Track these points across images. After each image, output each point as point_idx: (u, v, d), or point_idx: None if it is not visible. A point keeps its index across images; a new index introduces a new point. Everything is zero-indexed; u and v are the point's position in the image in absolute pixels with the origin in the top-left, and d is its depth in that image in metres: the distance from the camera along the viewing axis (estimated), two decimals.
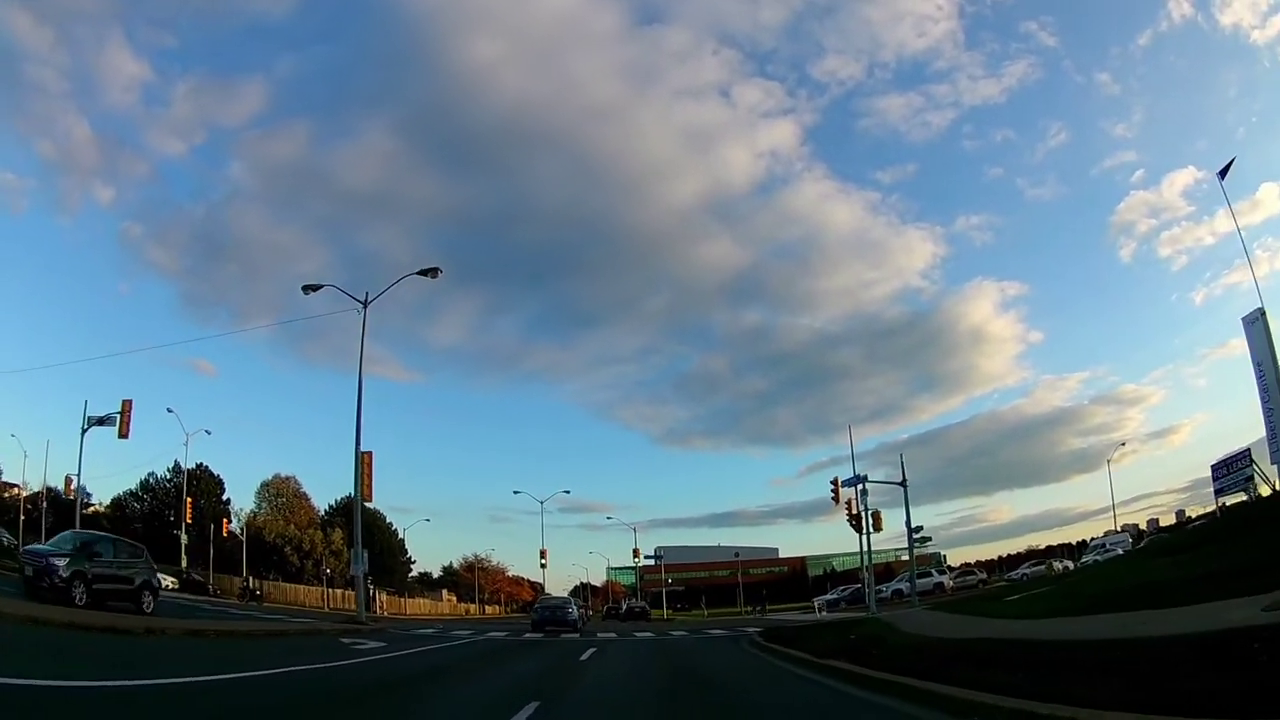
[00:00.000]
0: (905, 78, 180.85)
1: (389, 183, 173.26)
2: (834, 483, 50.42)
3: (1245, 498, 48.69)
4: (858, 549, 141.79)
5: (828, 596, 68.45)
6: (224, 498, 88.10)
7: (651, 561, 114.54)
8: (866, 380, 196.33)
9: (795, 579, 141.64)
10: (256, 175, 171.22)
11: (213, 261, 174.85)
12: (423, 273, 39.46)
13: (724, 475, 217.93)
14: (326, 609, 76.11)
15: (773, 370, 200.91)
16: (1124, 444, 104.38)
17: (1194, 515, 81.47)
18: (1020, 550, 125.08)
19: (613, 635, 35.99)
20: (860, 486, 43.18)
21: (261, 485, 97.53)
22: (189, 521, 72.97)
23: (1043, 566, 67.27)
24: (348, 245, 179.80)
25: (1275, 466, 40.84)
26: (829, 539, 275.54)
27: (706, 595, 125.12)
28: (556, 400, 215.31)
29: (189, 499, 74.19)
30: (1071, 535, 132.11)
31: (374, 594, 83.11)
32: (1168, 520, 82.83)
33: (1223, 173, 40.65)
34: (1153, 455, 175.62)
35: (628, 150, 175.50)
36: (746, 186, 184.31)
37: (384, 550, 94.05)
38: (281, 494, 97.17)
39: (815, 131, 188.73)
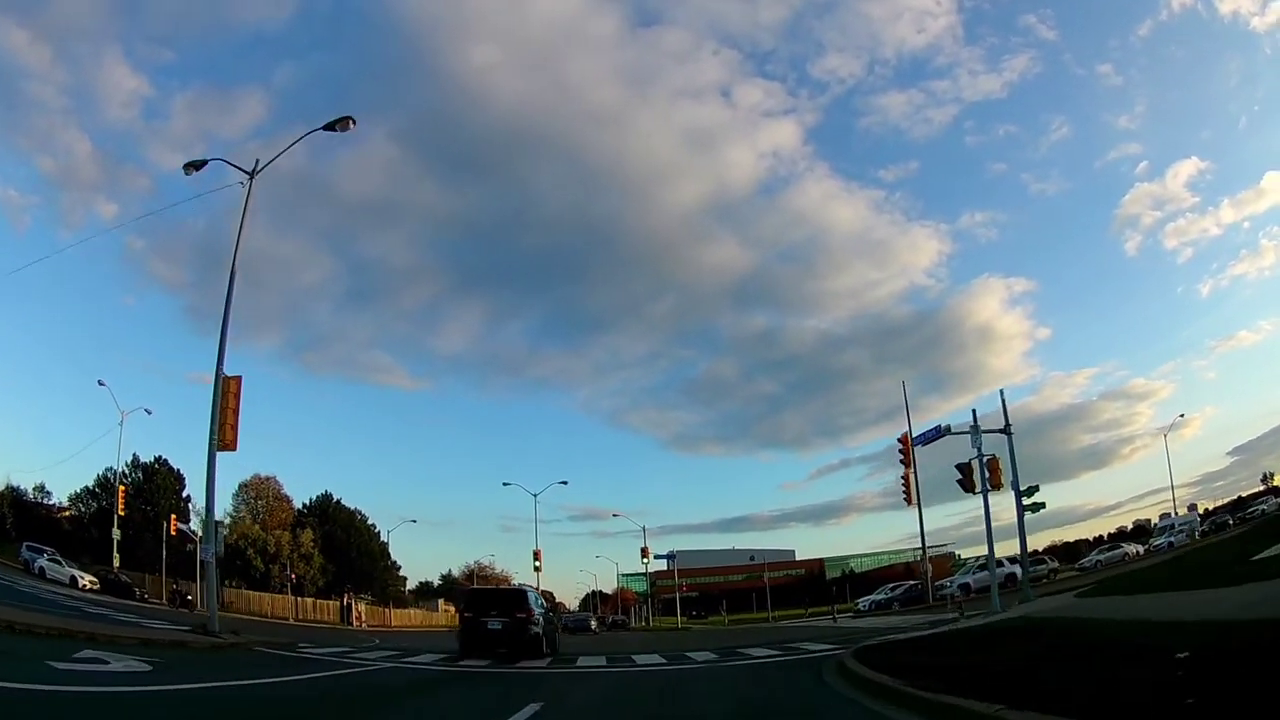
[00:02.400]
0: (906, 74, 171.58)
1: (391, 191, 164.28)
2: (903, 440, 36.05)
3: None
4: (874, 550, 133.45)
5: (875, 596, 53.88)
6: (184, 494, 73.62)
7: (663, 564, 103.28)
8: (874, 381, 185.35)
9: (813, 581, 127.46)
10: (258, 186, 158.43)
11: (215, 274, 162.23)
12: (329, 126, 27.21)
13: (734, 480, 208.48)
14: (293, 620, 62.43)
15: (780, 373, 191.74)
16: (1182, 415, 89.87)
17: (1208, 508, 75.02)
18: (1037, 548, 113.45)
19: (601, 661, 21.26)
20: (971, 431, 28.44)
21: (239, 486, 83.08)
22: (122, 514, 60.66)
23: (1119, 551, 54.51)
24: (351, 254, 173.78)
25: None
26: (842, 541, 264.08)
27: (716, 600, 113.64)
28: (565, 407, 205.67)
29: (121, 488, 61.38)
30: (1083, 533, 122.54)
31: (350, 603, 69.06)
32: (1183, 514, 71.03)
33: None
34: (1162, 450, 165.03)
35: (629, 153, 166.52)
36: (749, 188, 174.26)
37: (362, 554, 79.36)
38: (261, 495, 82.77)
39: (817, 131, 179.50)
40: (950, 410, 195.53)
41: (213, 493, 25.99)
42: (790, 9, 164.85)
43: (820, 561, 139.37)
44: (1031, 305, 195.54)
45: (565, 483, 69.27)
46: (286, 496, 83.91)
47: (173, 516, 63.06)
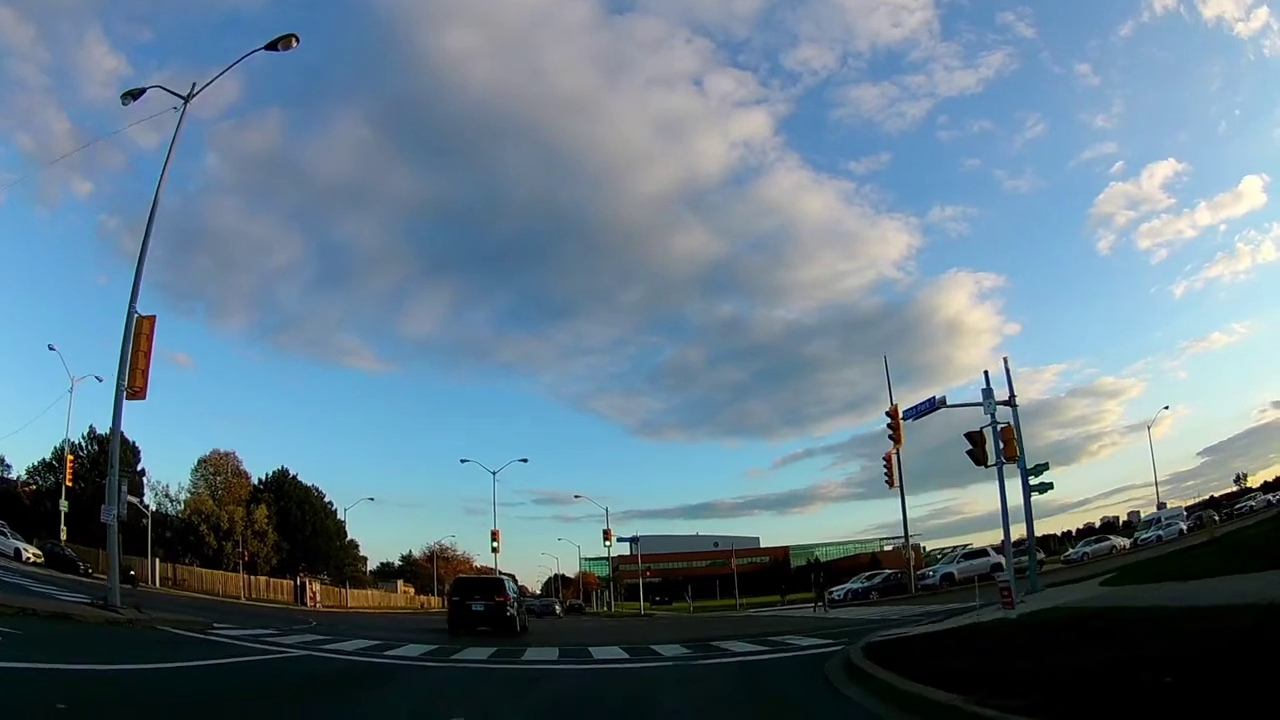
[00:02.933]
0: (880, 68, 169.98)
1: (362, 174, 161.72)
2: (891, 414, 32.73)
3: None
4: (840, 539, 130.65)
5: (851, 585, 50.52)
6: (138, 468, 69.02)
7: (626, 549, 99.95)
8: (841, 371, 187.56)
9: (778, 569, 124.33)
10: (231, 167, 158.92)
11: (189, 254, 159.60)
12: (271, 46, 23.61)
13: (699, 467, 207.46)
14: (244, 600, 58.41)
15: (747, 362, 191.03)
16: (1166, 407, 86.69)
17: (1184, 506, 71.87)
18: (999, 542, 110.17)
19: (552, 654, 17.86)
20: (983, 400, 24.68)
21: (199, 462, 78.48)
22: (70, 485, 56.57)
23: (1106, 543, 52.45)
24: (322, 236, 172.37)
25: None
26: (806, 530, 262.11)
27: (680, 587, 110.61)
28: (531, 392, 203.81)
29: (70, 458, 57.41)
30: (1050, 528, 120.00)
31: (305, 582, 65.09)
32: (1149, 512, 69.08)
33: None
34: (1133, 448, 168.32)
35: (600, 140, 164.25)
36: (720, 177, 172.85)
37: (317, 532, 75.01)
38: (220, 471, 78.16)
39: (788, 121, 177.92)
40: (917, 403, 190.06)
41: (116, 444, 22.78)
42: None
43: (785, 550, 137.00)
44: (1001, 300, 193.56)
45: (525, 460, 65.30)
46: (245, 473, 79.69)
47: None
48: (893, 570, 52.44)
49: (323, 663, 14.36)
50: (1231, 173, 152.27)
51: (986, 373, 25.71)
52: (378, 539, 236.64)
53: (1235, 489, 72.01)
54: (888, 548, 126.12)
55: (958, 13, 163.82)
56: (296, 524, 72.38)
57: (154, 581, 57.00)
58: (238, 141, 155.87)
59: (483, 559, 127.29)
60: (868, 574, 54.53)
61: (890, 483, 43.52)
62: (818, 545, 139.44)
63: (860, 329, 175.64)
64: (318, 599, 66.08)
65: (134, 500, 61.88)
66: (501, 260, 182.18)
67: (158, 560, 59.18)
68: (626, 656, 16.94)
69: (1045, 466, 25.15)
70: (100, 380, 61.66)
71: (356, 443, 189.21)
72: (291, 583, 65.47)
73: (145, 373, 21.44)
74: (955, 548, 61.75)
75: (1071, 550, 55.18)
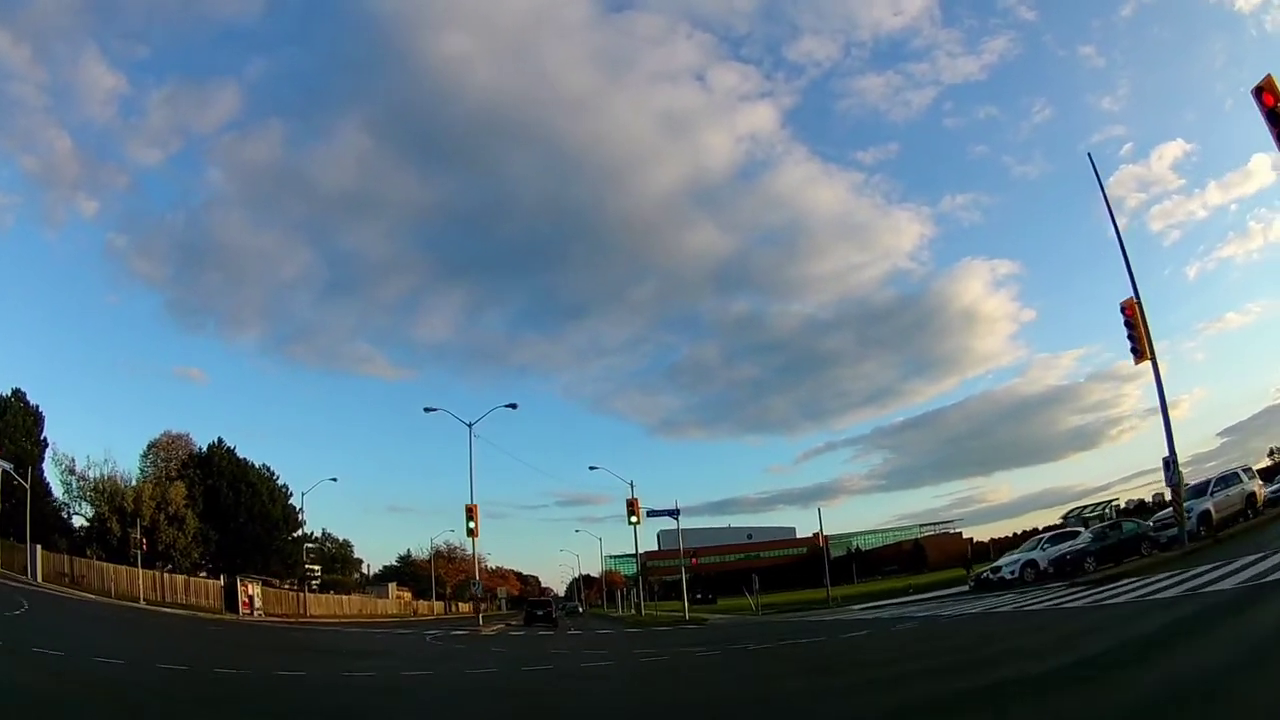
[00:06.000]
0: (883, 57, 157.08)
1: (367, 181, 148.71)
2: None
3: None
4: (873, 528, 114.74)
5: (1029, 554, 29.65)
6: (41, 436, 50.74)
7: (654, 540, 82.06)
8: (859, 365, 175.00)
9: (815, 560, 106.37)
10: (234, 179, 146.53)
11: (197, 269, 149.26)
12: None
13: (721, 464, 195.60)
14: (144, 603, 39.99)
15: (765, 358, 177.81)
16: None
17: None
18: (1014, 532, 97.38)
19: None
20: None
21: (149, 446, 58.97)
22: None
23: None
24: (330, 246, 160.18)
25: None
26: (832, 523, 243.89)
27: (714, 583, 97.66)
28: (549, 394, 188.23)
29: None
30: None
31: (236, 584, 46.46)
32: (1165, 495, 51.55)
33: None
34: (1150, 432, 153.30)
35: (606, 138, 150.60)
36: (728, 171, 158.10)
37: (255, 519, 54.83)
38: (173, 457, 58.84)
39: (794, 113, 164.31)
40: (936, 393, 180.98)
41: None
42: None
43: (824, 539, 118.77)
44: (1016, 287, 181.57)
45: (514, 406, 45.65)
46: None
47: None
48: (1111, 517, 31.80)
49: None
50: (1240, 151, 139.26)
51: None
52: (395, 546, 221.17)
53: (1270, 463, 57.76)
54: (927, 533, 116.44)
55: None
56: (228, 508, 52.81)
57: (34, 576, 38.85)
58: (240, 154, 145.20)
59: (494, 559, 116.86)
60: (1053, 534, 32.17)
61: (1141, 353, 24.57)
62: (855, 534, 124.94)
63: (877, 321, 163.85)
64: (255, 604, 46.96)
65: (6, 465, 43.52)
66: (512, 263, 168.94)
67: (39, 548, 40.61)
68: None
69: None
70: None
71: (372, 450, 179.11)
72: (219, 584, 46.65)
73: None
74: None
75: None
